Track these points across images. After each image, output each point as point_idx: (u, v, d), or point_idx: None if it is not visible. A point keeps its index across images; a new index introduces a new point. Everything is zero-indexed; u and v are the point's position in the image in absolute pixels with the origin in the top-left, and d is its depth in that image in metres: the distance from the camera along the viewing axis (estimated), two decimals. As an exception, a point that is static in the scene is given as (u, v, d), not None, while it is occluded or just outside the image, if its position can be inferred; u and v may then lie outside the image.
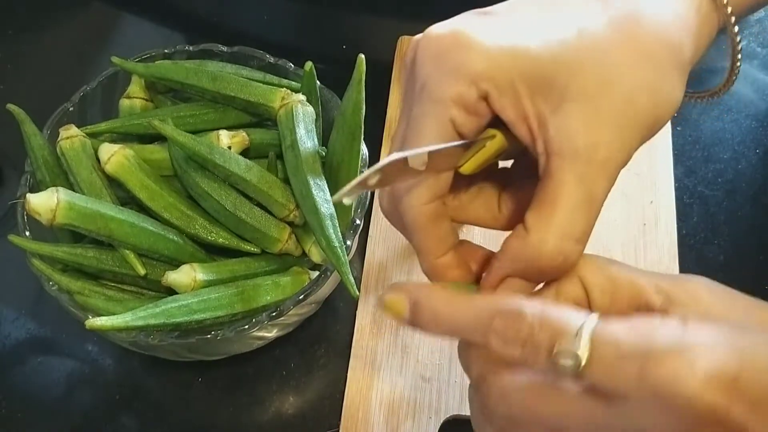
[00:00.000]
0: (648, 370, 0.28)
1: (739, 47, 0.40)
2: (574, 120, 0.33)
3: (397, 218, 0.37)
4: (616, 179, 0.35)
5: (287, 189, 0.55)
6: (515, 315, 0.31)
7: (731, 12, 0.37)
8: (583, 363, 0.29)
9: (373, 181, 0.31)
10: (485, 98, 0.34)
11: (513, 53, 0.34)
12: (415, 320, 0.34)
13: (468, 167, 0.36)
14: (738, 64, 0.41)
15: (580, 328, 0.29)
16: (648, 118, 0.35)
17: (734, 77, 0.43)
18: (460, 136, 0.35)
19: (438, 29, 0.36)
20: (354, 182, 0.31)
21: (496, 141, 0.36)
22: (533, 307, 0.31)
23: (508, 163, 0.40)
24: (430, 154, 0.33)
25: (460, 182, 0.37)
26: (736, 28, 0.39)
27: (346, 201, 0.32)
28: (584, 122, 0.33)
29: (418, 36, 0.37)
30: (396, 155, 0.31)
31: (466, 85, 0.34)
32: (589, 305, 0.35)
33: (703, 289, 0.34)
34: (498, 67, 0.34)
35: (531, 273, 0.35)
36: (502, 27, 0.35)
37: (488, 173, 0.38)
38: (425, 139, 0.35)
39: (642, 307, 0.34)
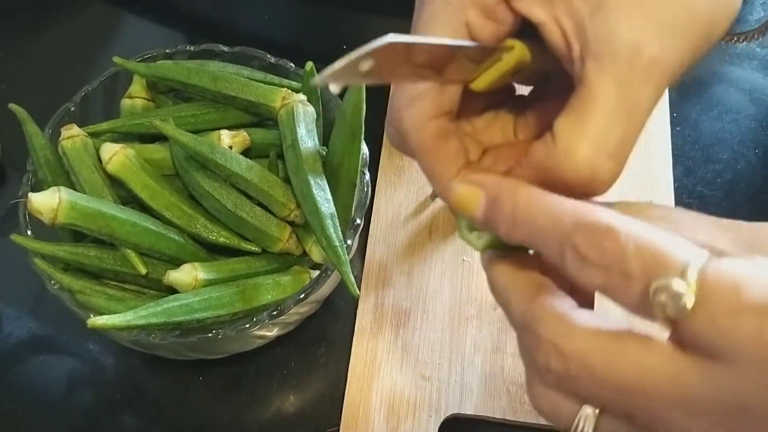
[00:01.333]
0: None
1: None
2: (616, 19, 0.28)
3: (401, 140, 0.32)
4: (663, 91, 0.30)
5: (288, 188, 0.55)
6: (604, 230, 0.25)
7: None
8: (689, 307, 0.23)
9: (365, 67, 0.26)
10: (507, 0, 0.30)
11: None
12: (490, 217, 0.29)
13: (480, 83, 0.31)
14: None
15: (687, 263, 0.24)
16: (704, 21, 0.29)
17: None
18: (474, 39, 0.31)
19: None
20: (342, 61, 0.25)
21: (514, 54, 0.30)
22: (629, 225, 0.25)
23: (526, 91, 0.36)
24: (434, 49, 0.28)
25: (474, 106, 0.34)
26: None
27: (333, 88, 0.26)
28: (628, 21, 0.28)
29: None
30: (393, 36, 0.25)
31: None
32: None
33: None
34: None
35: (555, 186, 0.29)
36: None
37: (504, 98, 0.35)
38: (438, 31, 0.31)
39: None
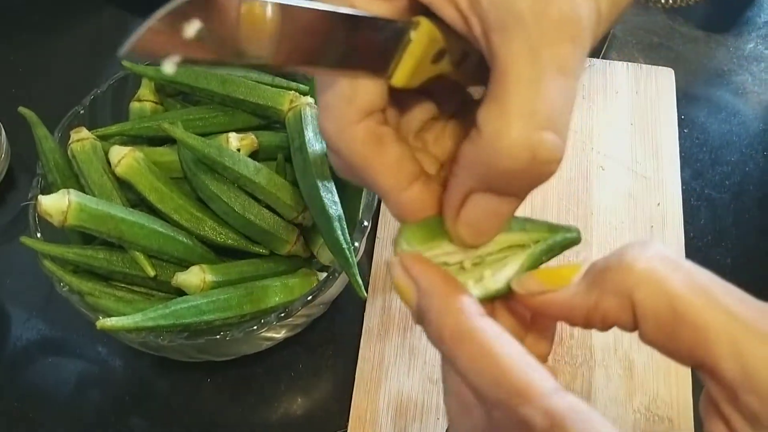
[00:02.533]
0: None
1: None
2: (504, 43, 0.24)
3: (336, 159, 0.29)
4: (586, 49, 0.25)
5: (296, 191, 0.56)
6: (523, 424, 0.25)
7: None
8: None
9: (190, 32, 0.20)
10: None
11: None
12: (419, 319, 0.28)
13: (399, 76, 0.26)
14: None
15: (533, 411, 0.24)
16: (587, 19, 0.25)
17: None
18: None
19: None
20: (148, 22, 0.21)
21: (421, 30, 0.26)
22: (490, 361, 0.25)
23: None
24: (300, 15, 0.22)
25: (420, 116, 0.30)
26: None
27: (167, 67, 0.21)
28: (511, 46, 0.24)
29: None
30: None
31: None
32: (638, 334, 0.27)
33: None
34: None
35: (496, 182, 0.26)
36: None
37: (457, 105, 0.31)
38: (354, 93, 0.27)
39: (703, 368, 0.25)
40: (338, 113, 0.27)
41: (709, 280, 0.27)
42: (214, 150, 0.55)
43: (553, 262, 0.30)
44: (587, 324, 0.27)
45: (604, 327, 0.27)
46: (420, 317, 0.28)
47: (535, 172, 0.26)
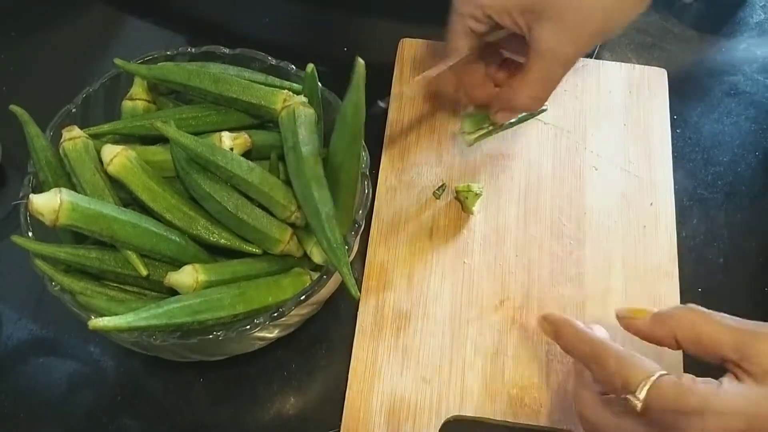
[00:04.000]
0: (681, 421, 0.41)
1: None
2: (545, 32, 0.53)
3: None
4: (571, 67, 0.56)
5: (289, 191, 0.55)
6: (603, 361, 0.46)
7: None
8: (639, 407, 0.43)
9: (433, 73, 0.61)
10: (488, 16, 0.56)
11: None
12: (558, 336, 0.52)
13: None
14: None
15: (645, 381, 0.43)
16: (599, 30, 0.54)
17: None
18: (475, 35, 0.58)
19: None
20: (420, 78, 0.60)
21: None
22: (615, 358, 0.46)
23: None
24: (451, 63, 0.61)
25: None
26: None
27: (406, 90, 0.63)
28: (551, 34, 0.53)
29: None
30: (436, 70, 0.61)
31: (475, 8, 0.56)
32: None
33: None
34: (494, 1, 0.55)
35: (513, 107, 0.61)
36: None
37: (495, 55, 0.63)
38: (454, 32, 0.59)
39: (720, 359, 0.45)
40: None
41: (717, 314, 0.47)
42: (207, 149, 0.55)
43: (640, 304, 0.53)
44: (651, 341, 0.49)
45: (661, 345, 0.48)
46: (557, 338, 0.52)
47: (531, 108, 0.61)
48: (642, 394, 0.43)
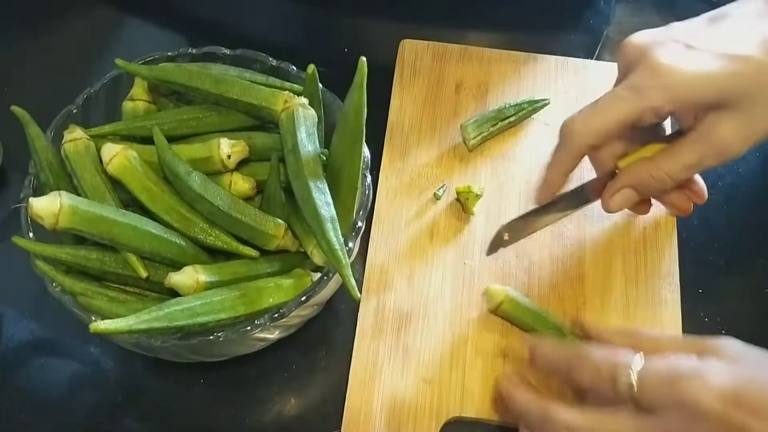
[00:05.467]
0: (677, 389, 0.41)
1: None
2: (722, 120, 0.50)
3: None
4: (722, 163, 0.52)
5: (273, 219, 0.56)
6: (586, 357, 0.47)
7: None
8: (635, 387, 0.43)
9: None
10: (672, 112, 0.51)
11: (705, 81, 0.49)
12: (533, 358, 0.52)
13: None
14: None
15: (632, 364, 0.44)
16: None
17: None
18: (634, 127, 0.52)
19: (663, 55, 0.50)
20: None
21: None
22: (600, 351, 0.47)
23: None
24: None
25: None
26: None
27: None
28: (728, 124, 0.49)
29: (631, 38, 0.53)
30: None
31: (665, 100, 0.50)
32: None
33: (730, 346, 0.45)
34: (694, 93, 0.49)
35: (643, 186, 0.55)
36: (699, 55, 0.50)
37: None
38: (611, 111, 0.51)
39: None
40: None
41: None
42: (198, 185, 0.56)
43: None
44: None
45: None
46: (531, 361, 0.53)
47: (662, 188, 0.56)
48: (634, 374, 0.43)
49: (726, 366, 0.42)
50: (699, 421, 0.40)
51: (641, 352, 0.45)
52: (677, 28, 0.53)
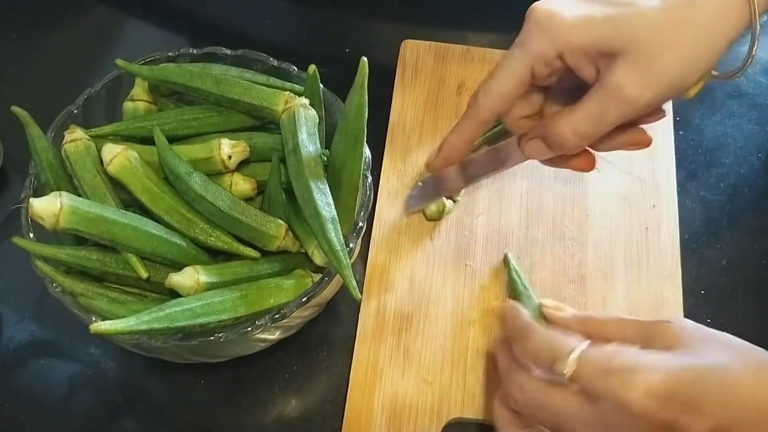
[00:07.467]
0: (609, 382, 0.42)
1: (758, 36, 0.49)
2: (618, 69, 0.46)
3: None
4: (629, 117, 0.48)
5: (274, 219, 0.56)
6: (531, 336, 0.48)
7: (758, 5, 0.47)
8: (568, 376, 0.44)
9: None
10: (560, 56, 0.48)
11: (585, 24, 0.47)
12: (500, 321, 0.54)
13: None
14: (754, 52, 0.51)
15: (571, 351, 0.44)
16: (673, 81, 0.47)
17: (750, 61, 0.52)
18: (533, 79, 0.50)
19: (540, 5, 0.49)
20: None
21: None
22: (542, 333, 0.47)
23: None
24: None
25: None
26: (760, 21, 0.48)
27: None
28: (623, 70, 0.46)
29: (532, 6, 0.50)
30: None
31: (550, 47, 0.48)
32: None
33: (678, 329, 0.46)
34: (574, 35, 0.48)
35: (549, 138, 0.51)
36: (581, 4, 0.48)
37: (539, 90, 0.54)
38: (505, 73, 0.50)
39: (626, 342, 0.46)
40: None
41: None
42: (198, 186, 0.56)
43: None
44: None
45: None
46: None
47: (564, 146, 0.51)
48: (571, 362, 0.44)
49: (664, 357, 0.43)
50: (631, 416, 0.41)
51: (588, 341, 0.45)
52: None
